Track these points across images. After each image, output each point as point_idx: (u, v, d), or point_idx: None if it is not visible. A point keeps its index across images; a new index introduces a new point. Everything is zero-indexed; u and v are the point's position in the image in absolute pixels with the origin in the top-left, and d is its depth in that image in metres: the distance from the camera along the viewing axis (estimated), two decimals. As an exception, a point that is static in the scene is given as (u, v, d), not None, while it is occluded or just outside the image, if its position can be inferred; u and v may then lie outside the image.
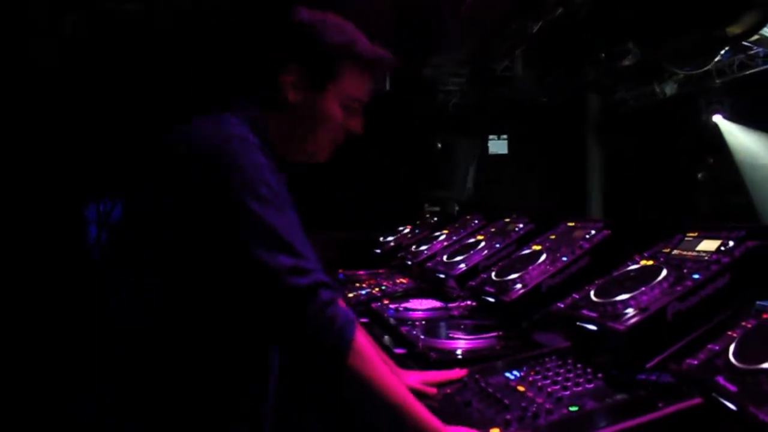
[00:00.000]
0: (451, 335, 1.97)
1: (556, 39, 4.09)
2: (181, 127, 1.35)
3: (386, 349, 2.00)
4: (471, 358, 1.75)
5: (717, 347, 1.23)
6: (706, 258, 1.56)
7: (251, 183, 1.24)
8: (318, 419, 2.62)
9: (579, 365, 1.52)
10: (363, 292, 2.90)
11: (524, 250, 2.37)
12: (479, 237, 2.92)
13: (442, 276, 2.70)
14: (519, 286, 2.05)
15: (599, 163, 7.66)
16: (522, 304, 1.99)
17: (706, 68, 3.78)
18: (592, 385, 1.40)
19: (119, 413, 1.31)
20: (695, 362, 1.23)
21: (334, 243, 4.75)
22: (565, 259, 2.05)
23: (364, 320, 2.43)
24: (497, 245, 2.66)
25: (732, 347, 1.18)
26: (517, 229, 2.71)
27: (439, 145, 7.05)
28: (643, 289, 1.54)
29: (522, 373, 1.55)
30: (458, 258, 2.75)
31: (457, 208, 6.48)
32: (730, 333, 1.25)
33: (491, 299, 2.14)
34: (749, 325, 1.24)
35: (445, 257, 2.88)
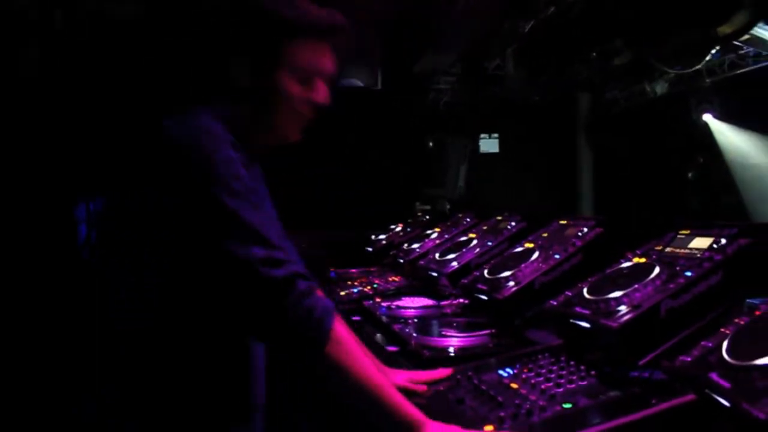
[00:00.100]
0: (443, 333, 1.97)
1: (548, 38, 4.09)
2: (153, 125, 1.34)
3: (379, 347, 2.00)
4: (464, 355, 1.75)
5: (710, 344, 1.23)
6: (699, 255, 1.57)
7: (223, 178, 1.23)
8: (310, 418, 2.61)
9: (572, 362, 1.52)
10: (355, 290, 2.90)
11: (516, 247, 2.37)
12: (471, 235, 2.92)
13: (435, 274, 2.70)
14: (512, 283, 2.05)
15: (590, 162, 7.69)
16: (515, 301, 2.00)
17: (697, 68, 3.79)
18: (585, 383, 1.40)
19: (119, 413, 1.31)
20: (688, 359, 1.23)
21: (326, 242, 4.75)
22: (557, 256, 2.05)
23: (356, 318, 2.43)
24: (489, 243, 2.66)
25: (725, 344, 1.19)
26: (509, 227, 2.71)
27: (431, 144, 7.06)
28: (636, 286, 1.54)
29: (515, 371, 1.55)
30: (450, 256, 2.75)
31: (448, 206, 6.48)
32: (723, 330, 1.25)
33: (484, 297, 2.14)
34: (742, 322, 1.24)
35: (437, 255, 2.88)
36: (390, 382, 1.33)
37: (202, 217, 1.23)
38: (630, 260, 1.75)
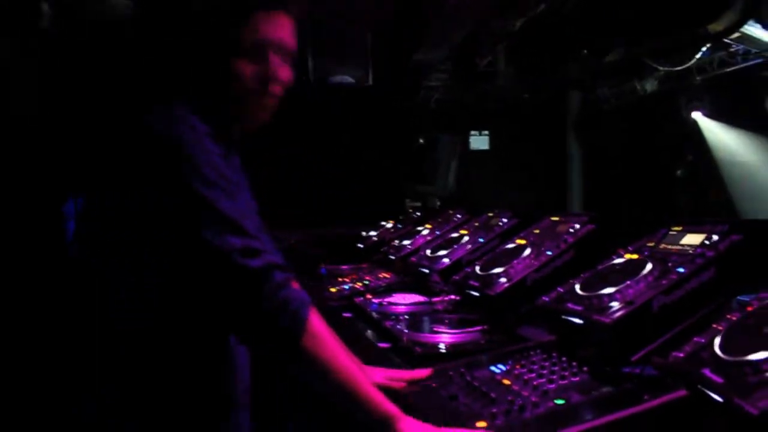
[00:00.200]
0: (435, 329, 1.96)
1: (539, 35, 4.10)
2: (130, 119, 1.32)
3: (370, 344, 2.00)
4: (456, 352, 1.75)
5: (702, 340, 1.23)
6: (691, 252, 1.57)
7: (198, 168, 1.22)
8: (294, 418, 2.61)
9: (564, 358, 1.52)
10: (346, 286, 2.89)
11: (508, 244, 2.37)
12: (462, 231, 2.92)
13: (426, 270, 2.70)
14: (504, 280, 2.05)
15: (580, 160, 7.72)
16: (507, 298, 1.99)
17: (687, 65, 3.81)
18: (577, 379, 1.40)
19: (119, 413, 1.31)
20: (681, 355, 1.24)
21: (317, 238, 4.74)
22: (549, 253, 2.05)
23: (347, 315, 2.42)
24: (481, 240, 2.66)
25: (717, 340, 1.19)
26: (500, 223, 2.71)
27: (422, 141, 7.06)
28: (629, 282, 1.55)
29: (507, 367, 1.55)
30: (442, 252, 2.75)
31: (438, 203, 6.50)
32: (715, 326, 1.25)
33: (476, 293, 2.14)
34: (734, 318, 1.24)
35: (428, 252, 2.87)
36: (366, 376, 1.33)
37: (178, 208, 1.22)
38: (622, 257, 1.75)
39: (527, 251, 2.16)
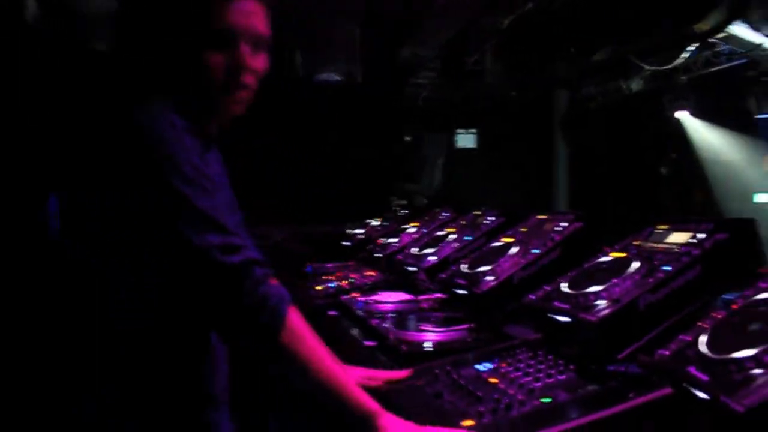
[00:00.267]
0: (421, 328, 1.96)
1: (527, 33, 4.11)
2: (111, 117, 1.30)
3: (356, 342, 1.99)
4: (442, 350, 1.74)
5: (688, 338, 1.24)
6: (677, 250, 1.58)
7: (176, 164, 1.21)
8: (275, 416, 2.61)
9: (550, 357, 1.52)
10: (331, 284, 2.88)
11: (495, 242, 2.37)
12: (449, 230, 2.91)
13: (412, 268, 2.69)
14: (490, 278, 2.05)
15: (566, 158, 7.75)
16: (493, 296, 1.99)
17: (674, 64, 3.83)
18: (564, 377, 1.40)
19: (119, 413, 1.30)
20: (667, 353, 1.24)
21: (302, 236, 4.72)
22: (536, 251, 2.05)
23: (333, 313, 2.41)
24: (467, 238, 2.66)
25: (703, 338, 1.19)
26: (487, 222, 2.71)
27: (408, 139, 7.06)
28: (615, 281, 1.55)
29: (494, 365, 1.55)
30: (428, 250, 2.75)
31: (425, 201, 6.49)
32: (700, 324, 1.26)
33: (463, 291, 2.14)
34: (719, 316, 1.25)
35: (415, 250, 2.87)
36: (342, 368, 1.33)
37: (158, 206, 1.21)
38: (608, 255, 1.75)
39: (514, 249, 2.16)
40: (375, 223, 4.27)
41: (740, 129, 6.25)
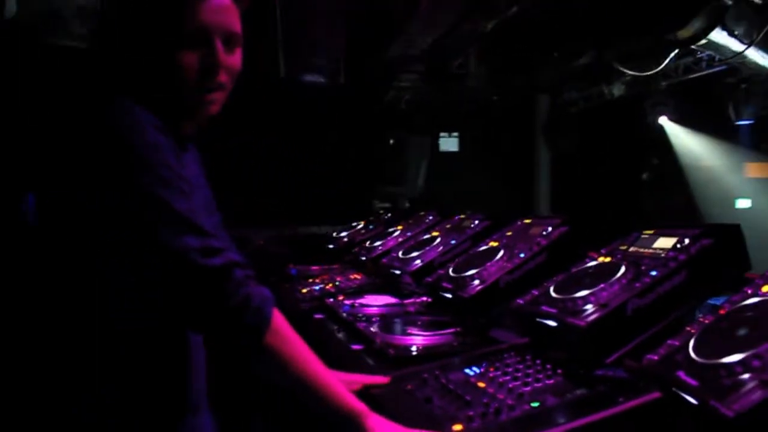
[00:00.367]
0: (408, 331, 1.95)
1: (510, 37, 4.12)
2: (85, 117, 1.28)
3: (342, 345, 1.98)
4: (429, 354, 1.74)
5: (676, 343, 1.25)
6: (663, 255, 1.59)
7: (152, 167, 1.19)
8: (264, 417, 2.59)
9: (538, 361, 1.52)
10: (316, 287, 2.87)
11: (481, 246, 2.37)
12: (434, 233, 2.91)
13: (398, 272, 2.69)
14: (477, 282, 2.05)
15: (548, 162, 7.80)
16: (480, 300, 1.99)
17: (657, 70, 3.87)
18: (552, 381, 1.41)
19: (119, 413, 1.29)
20: (655, 357, 1.25)
21: (285, 238, 4.71)
22: (522, 255, 2.06)
23: (318, 316, 2.40)
24: (453, 242, 2.66)
25: (691, 342, 1.20)
26: (472, 225, 2.72)
27: (391, 141, 7.06)
28: (603, 285, 1.56)
29: (481, 369, 1.55)
30: (414, 254, 2.75)
31: (407, 204, 6.50)
32: (688, 329, 1.27)
33: (449, 295, 2.14)
34: (707, 321, 1.26)
35: (400, 253, 2.87)
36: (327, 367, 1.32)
37: (133, 208, 1.19)
38: (595, 260, 1.76)
39: (500, 253, 2.16)
40: (359, 226, 4.26)
41: (720, 135, 6.33)
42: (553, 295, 1.66)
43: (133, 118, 1.23)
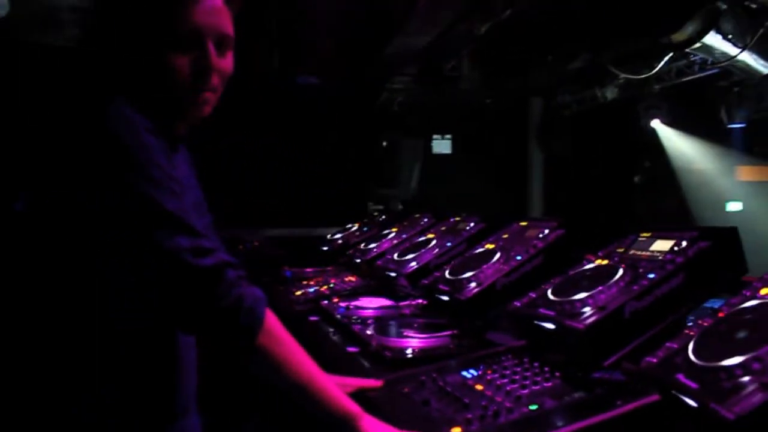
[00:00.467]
0: (405, 334, 1.95)
1: (505, 40, 4.13)
2: (76, 118, 1.28)
3: (338, 348, 1.98)
4: (426, 356, 1.74)
5: (675, 345, 1.25)
6: (661, 258, 1.59)
7: (143, 167, 1.19)
8: (256, 418, 2.58)
9: (536, 364, 1.52)
10: (311, 289, 2.86)
11: (477, 249, 2.37)
12: (429, 235, 2.91)
13: (393, 274, 2.69)
14: (474, 284, 2.05)
15: (541, 165, 7.81)
16: (477, 302, 1.99)
17: (651, 73, 3.89)
18: (550, 384, 1.41)
19: (119, 413, 1.28)
20: (654, 360, 1.25)
21: (279, 240, 4.70)
22: (519, 257, 2.06)
23: (314, 318, 2.40)
24: (448, 244, 2.66)
25: (691, 345, 1.20)
26: (468, 228, 2.72)
27: (385, 144, 7.06)
28: (601, 288, 1.56)
29: (479, 372, 1.55)
30: (409, 256, 2.74)
31: (400, 206, 6.50)
32: (687, 331, 1.27)
33: (445, 297, 2.13)
34: (706, 324, 1.26)
35: (395, 255, 2.86)
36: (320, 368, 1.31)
37: (125, 210, 1.18)
38: (592, 262, 1.76)
39: (497, 256, 2.16)
40: (354, 228, 4.25)
41: (713, 138, 6.36)
42: (551, 297, 1.65)
43: (125, 118, 1.22)
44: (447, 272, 2.27)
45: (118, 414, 1.28)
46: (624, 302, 1.46)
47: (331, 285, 2.91)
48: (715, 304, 1.49)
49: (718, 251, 1.54)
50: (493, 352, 1.67)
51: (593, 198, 7.11)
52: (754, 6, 3.40)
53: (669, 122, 6.21)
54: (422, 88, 5.96)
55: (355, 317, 2.22)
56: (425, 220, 3.34)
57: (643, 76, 4.16)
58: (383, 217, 4.36)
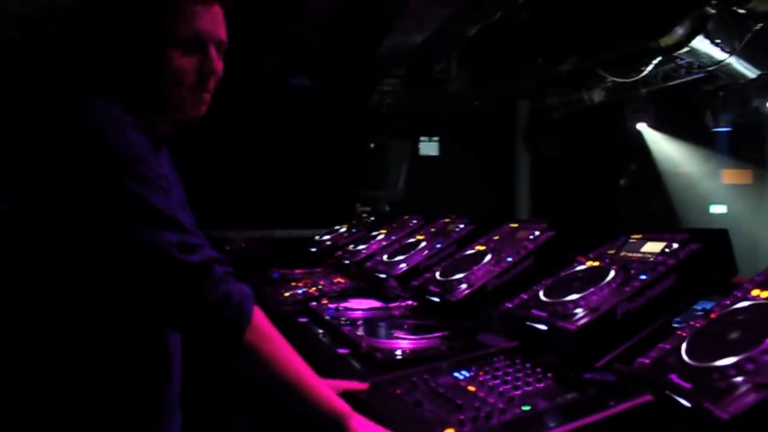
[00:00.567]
0: (396, 335, 1.95)
1: (494, 43, 4.14)
2: (61, 115, 1.27)
3: (328, 349, 1.97)
4: (417, 357, 1.73)
5: (667, 346, 1.25)
6: (652, 260, 1.60)
7: (128, 163, 1.19)
8: (238, 417, 2.57)
9: (528, 365, 1.52)
10: (299, 291, 2.85)
11: (467, 250, 2.37)
12: (419, 237, 2.91)
13: (383, 276, 2.68)
14: (464, 286, 2.05)
15: (527, 167, 7.85)
16: (468, 303, 1.99)
17: (640, 76, 3.92)
18: (542, 385, 1.40)
19: (119, 413, 1.27)
20: (647, 361, 1.25)
21: (266, 241, 4.68)
22: (510, 259, 2.06)
23: (303, 319, 2.39)
24: (438, 245, 2.66)
25: (684, 346, 1.20)
26: (457, 229, 2.72)
27: (372, 145, 7.07)
28: (593, 289, 1.56)
29: (471, 373, 1.54)
30: (399, 258, 2.74)
31: (387, 208, 6.51)
32: (679, 332, 1.27)
33: (436, 299, 2.13)
34: (698, 325, 1.26)
35: (385, 257, 2.86)
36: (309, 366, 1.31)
37: (110, 206, 1.17)
38: (583, 264, 1.77)
39: (487, 257, 2.16)
40: (342, 229, 4.24)
41: (698, 142, 6.42)
42: (543, 298, 1.66)
43: (109, 116, 1.22)
44: (438, 273, 2.27)
45: (118, 414, 1.28)
46: (616, 303, 1.46)
47: (320, 286, 2.90)
48: (704, 306, 1.50)
49: (709, 253, 1.55)
50: (485, 353, 1.67)
51: (580, 200, 7.15)
52: (741, 11, 3.43)
53: (655, 125, 6.26)
54: (411, 89, 5.97)
55: (344, 319, 2.21)
56: (414, 221, 3.34)
57: (632, 79, 4.18)
58: (372, 218, 4.35)
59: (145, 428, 1.33)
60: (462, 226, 2.73)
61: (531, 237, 2.13)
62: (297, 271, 3.46)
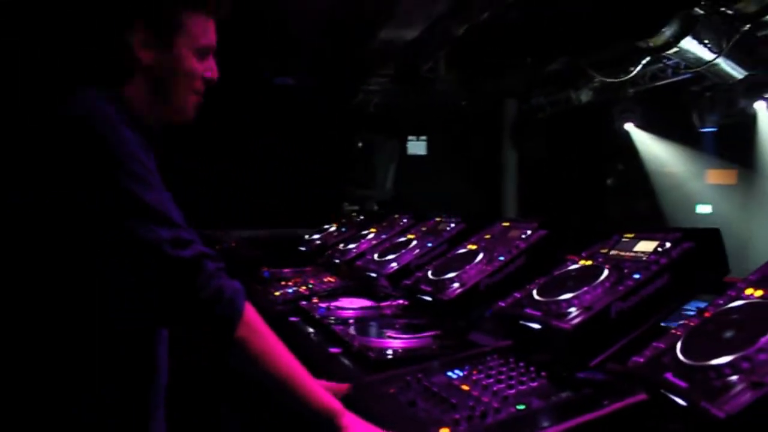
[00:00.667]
0: (387, 334, 1.94)
1: (482, 42, 4.14)
2: (48, 112, 1.26)
3: (319, 348, 1.96)
4: (410, 357, 1.73)
5: (662, 345, 1.25)
6: (645, 259, 1.60)
7: (120, 159, 1.18)
8: (229, 410, 2.56)
9: (521, 364, 1.52)
10: (290, 290, 2.84)
11: (459, 249, 2.37)
12: (410, 236, 2.90)
13: (373, 275, 2.67)
14: (456, 285, 2.05)
15: (515, 167, 7.86)
16: (460, 302, 1.99)
17: (628, 77, 3.94)
18: (536, 384, 1.40)
19: (119, 413, 1.27)
20: (641, 360, 1.25)
21: (255, 240, 4.66)
22: (502, 258, 2.06)
23: (293, 319, 2.38)
24: (429, 244, 2.66)
25: (679, 345, 1.21)
26: (448, 228, 2.72)
27: (360, 144, 7.06)
28: (586, 288, 1.57)
29: (465, 372, 1.54)
30: (389, 257, 2.73)
31: (375, 207, 6.50)
32: (674, 331, 1.27)
33: (428, 298, 2.13)
34: (692, 324, 1.27)
35: (375, 256, 2.85)
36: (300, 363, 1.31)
37: (105, 204, 1.17)
38: (576, 263, 1.77)
39: (479, 256, 2.16)
40: (332, 228, 4.23)
41: (684, 142, 6.46)
42: (537, 298, 1.66)
43: (101, 111, 1.22)
44: (429, 272, 2.27)
45: (117, 413, 1.27)
46: (610, 302, 1.47)
47: (310, 285, 2.89)
48: (694, 306, 1.51)
49: (702, 252, 1.56)
50: (478, 352, 1.66)
51: (567, 199, 7.18)
52: (729, 12, 3.46)
53: (642, 125, 6.30)
54: (399, 88, 5.97)
55: (335, 318, 2.21)
56: (405, 220, 3.33)
57: (620, 79, 4.20)
58: (361, 217, 4.34)
59: (141, 425, 1.32)
60: (453, 225, 2.73)
61: (523, 236, 2.13)
62: (287, 270, 3.44)
